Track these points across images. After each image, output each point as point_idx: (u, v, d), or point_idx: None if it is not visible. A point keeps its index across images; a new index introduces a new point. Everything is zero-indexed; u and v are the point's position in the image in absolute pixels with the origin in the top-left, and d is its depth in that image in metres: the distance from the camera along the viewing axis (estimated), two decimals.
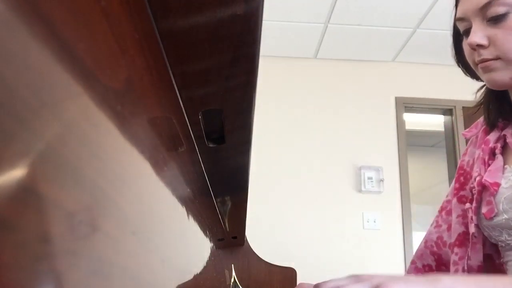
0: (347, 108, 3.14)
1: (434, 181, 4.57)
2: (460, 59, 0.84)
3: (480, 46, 0.72)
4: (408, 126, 3.18)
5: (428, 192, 4.63)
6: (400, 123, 3.13)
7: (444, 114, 3.29)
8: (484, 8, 0.71)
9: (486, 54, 0.72)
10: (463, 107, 3.11)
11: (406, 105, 3.19)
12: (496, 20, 0.70)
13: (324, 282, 0.55)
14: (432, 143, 4.63)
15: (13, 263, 0.16)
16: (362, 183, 2.97)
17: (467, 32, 0.75)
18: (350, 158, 3.03)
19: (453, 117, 3.19)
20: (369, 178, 2.97)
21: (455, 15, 0.79)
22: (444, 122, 3.32)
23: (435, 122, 3.54)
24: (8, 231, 0.15)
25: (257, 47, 0.36)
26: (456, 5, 0.78)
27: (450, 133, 3.22)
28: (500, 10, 0.70)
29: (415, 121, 3.60)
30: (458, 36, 0.82)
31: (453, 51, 0.85)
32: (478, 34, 0.72)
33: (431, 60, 3.18)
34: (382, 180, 2.96)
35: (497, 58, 0.71)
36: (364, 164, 3.01)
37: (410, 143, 3.33)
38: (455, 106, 3.15)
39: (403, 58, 3.18)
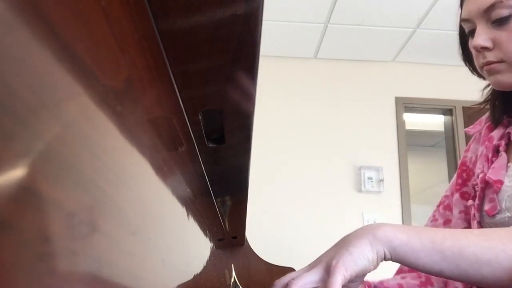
0: (347, 108, 3.14)
1: (434, 181, 4.57)
2: (466, 58, 0.84)
3: (484, 48, 0.72)
4: (408, 126, 3.18)
5: (428, 192, 4.63)
6: (400, 123, 3.13)
7: (444, 114, 3.29)
8: (488, 10, 0.71)
9: (490, 56, 0.72)
10: (463, 107, 3.11)
11: (406, 105, 3.19)
12: (500, 23, 0.70)
13: (281, 279, 0.55)
14: (432, 143, 4.63)
15: (13, 263, 0.16)
16: (362, 183, 2.97)
17: (472, 33, 0.75)
18: (350, 158, 3.03)
19: (453, 117, 3.19)
20: (369, 178, 2.97)
21: (461, 15, 0.79)
22: (444, 122, 3.32)
23: (435, 122, 3.54)
24: (8, 231, 0.15)
25: (257, 47, 0.36)
26: (461, 5, 0.78)
27: (450, 133, 3.22)
28: (504, 12, 0.70)
29: (415, 121, 3.60)
30: (464, 36, 0.82)
31: (460, 50, 0.85)
32: (482, 37, 0.72)
33: (431, 60, 3.18)
34: (382, 180, 2.96)
35: (501, 61, 0.71)
36: (364, 164, 3.01)
37: (410, 143, 3.33)
38: (455, 106, 3.15)
39: (403, 58, 3.18)
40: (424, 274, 0.83)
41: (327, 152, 3.04)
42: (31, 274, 0.17)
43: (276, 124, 3.06)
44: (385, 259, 0.53)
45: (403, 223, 2.94)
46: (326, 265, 0.52)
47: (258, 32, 0.34)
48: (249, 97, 0.44)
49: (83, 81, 0.23)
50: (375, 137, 3.09)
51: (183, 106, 0.44)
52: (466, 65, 0.85)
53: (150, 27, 0.32)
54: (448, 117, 3.26)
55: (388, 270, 0.85)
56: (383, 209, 2.95)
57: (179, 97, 0.42)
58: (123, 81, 0.30)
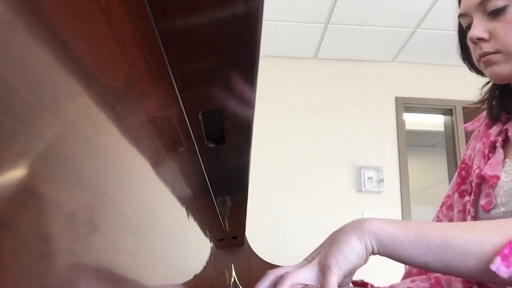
0: (347, 108, 3.14)
1: (434, 181, 4.57)
2: (465, 56, 0.85)
3: (480, 39, 0.73)
4: (408, 126, 3.18)
5: (428, 192, 4.63)
6: (400, 123, 3.13)
7: (444, 114, 3.29)
8: (483, 2, 0.72)
9: (487, 47, 0.73)
10: (463, 107, 3.11)
11: (406, 105, 3.19)
12: (496, 14, 0.72)
13: (275, 270, 0.56)
14: (432, 143, 4.63)
15: (13, 263, 0.16)
16: (362, 183, 2.96)
17: (470, 27, 0.76)
18: (350, 158, 3.03)
19: (453, 117, 3.19)
20: (369, 178, 2.97)
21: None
22: (444, 122, 3.32)
23: (435, 122, 3.54)
24: (8, 231, 0.15)
25: (257, 47, 0.36)
26: (459, 2, 0.79)
27: (450, 133, 3.22)
28: (499, 3, 0.71)
29: (415, 121, 3.61)
30: (462, 33, 0.82)
31: (458, 48, 0.86)
32: (478, 28, 0.73)
33: (431, 60, 3.18)
34: (382, 180, 2.96)
35: (497, 52, 0.72)
36: (364, 164, 3.01)
37: (410, 143, 3.33)
38: (455, 106, 3.15)
39: (403, 58, 3.18)
40: (433, 275, 0.83)
41: (327, 152, 3.04)
42: (31, 274, 0.17)
43: (276, 124, 3.06)
44: (373, 253, 0.54)
45: None
46: (319, 264, 0.53)
47: (258, 32, 0.34)
48: (249, 97, 0.44)
49: (83, 81, 0.23)
50: (375, 137, 3.09)
51: (183, 106, 0.44)
52: (465, 63, 0.86)
53: (150, 27, 0.32)
54: (448, 117, 3.26)
55: (392, 273, 0.85)
56: (383, 209, 2.95)
57: (179, 97, 0.42)
58: (123, 81, 0.30)
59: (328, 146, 3.05)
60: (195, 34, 0.33)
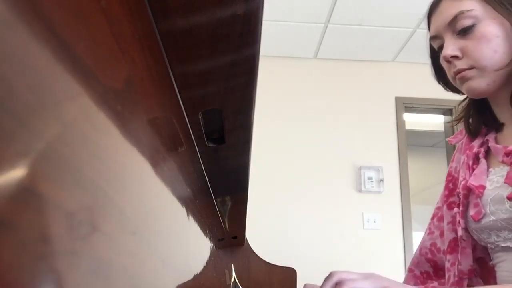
0: (347, 108, 3.14)
1: (434, 181, 4.57)
2: (440, 76, 0.88)
3: (454, 57, 0.76)
4: (408, 126, 3.18)
5: (428, 192, 4.63)
6: (400, 123, 3.13)
7: (444, 114, 3.29)
8: (451, 23, 0.75)
9: (460, 64, 0.75)
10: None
11: (406, 105, 3.19)
12: (465, 32, 0.74)
13: (333, 275, 0.59)
14: (432, 143, 4.63)
15: (13, 263, 0.16)
16: (362, 183, 2.97)
17: (441, 49, 0.79)
18: (350, 158, 3.03)
19: (453, 117, 3.18)
20: (369, 178, 2.97)
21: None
22: (444, 122, 3.33)
23: (435, 122, 3.54)
24: (8, 231, 0.15)
25: (257, 47, 0.36)
26: (429, 26, 0.82)
27: (450, 133, 3.22)
28: (467, 22, 0.74)
29: (415, 121, 3.61)
30: (435, 54, 0.85)
31: (432, 70, 0.88)
32: (451, 47, 0.76)
33: None
34: (382, 180, 2.96)
35: (471, 68, 0.74)
36: (364, 164, 3.01)
37: (410, 143, 3.33)
38: (455, 106, 3.15)
39: (403, 58, 3.18)
40: (431, 285, 0.85)
41: (327, 152, 3.04)
42: (31, 274, 0.17)
43: (276, 124, 3.06)
44: None
45: (403, 223, 2.94)
46: (380, 285, 0.57)
47: (258, 32, 0.34)
48: (249, 97, 0.44)
49: (83, 81, 0.23)
50: (375, 137, 3.09)
51: (183, 106, 0.44)
52: (440, 83, 0.89)
53: (150, 27, 0.32)
54: (448, 117, 3.26)
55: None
56: (383, 209, 2.95)
57: (179, 97, 0.42)
58: (123, 81, 0.30)
59: (328, 146, 3.05)
60: (195, 34, 0.33)
